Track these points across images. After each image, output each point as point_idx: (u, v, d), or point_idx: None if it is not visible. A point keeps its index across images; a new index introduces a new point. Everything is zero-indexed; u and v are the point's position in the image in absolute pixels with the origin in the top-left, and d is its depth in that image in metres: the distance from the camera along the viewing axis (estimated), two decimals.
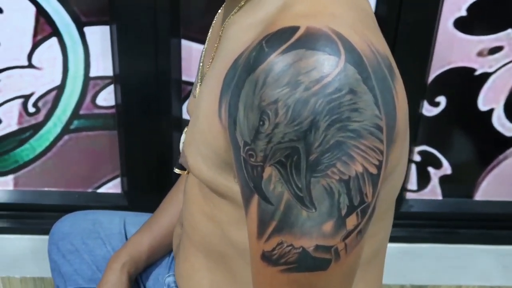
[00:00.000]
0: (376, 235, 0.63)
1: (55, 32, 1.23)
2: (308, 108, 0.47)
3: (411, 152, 1.37)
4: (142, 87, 1.25)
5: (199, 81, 0.72)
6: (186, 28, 1.22)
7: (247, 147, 0.50)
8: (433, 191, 1.44)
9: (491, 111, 1.34)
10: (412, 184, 1.42)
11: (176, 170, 0.74)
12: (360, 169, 0.49)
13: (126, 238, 0.97)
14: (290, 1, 0.54)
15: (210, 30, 0.74)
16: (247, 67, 0.51)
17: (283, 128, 0.48)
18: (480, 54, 1.28)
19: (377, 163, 0.50)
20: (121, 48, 1.21)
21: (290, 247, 0.50)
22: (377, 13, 1.23)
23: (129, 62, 1.22)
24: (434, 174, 1.42)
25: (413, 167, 1.40)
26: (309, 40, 0.48)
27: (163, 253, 0.92)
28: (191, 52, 1.24)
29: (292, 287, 0.52)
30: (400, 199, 1.41)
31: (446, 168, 1.41)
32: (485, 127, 1.37)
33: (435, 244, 1.43)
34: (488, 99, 1.33)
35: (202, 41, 1.24)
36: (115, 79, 1.27)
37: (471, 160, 1.41)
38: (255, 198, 0.51)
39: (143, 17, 1.17)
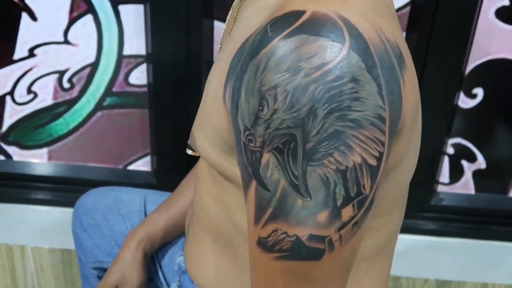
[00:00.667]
0: (382, 228, 0.62)
1: (91, 9, 1.24)
2: (307, 95, 0.46)
3: (444, 144, 1.33)
4: (173, 67, 1.25)
5: None
6: (219, 9, 1.22)
7: (247, 132, 0.50)
8: (466, 185, 1.40)
9: None
10: (444, 177, 1.39)
11: (189, 151, 0.74)
12: (358, 159, 0.48)
13: (145, 216, 0.98)
14: None
15: (230, 12, 0.73)
16: (251, 51, 0.50)
17: (281, 114, 0.47)
18: None
19: (377, 154, 0.48)
20: (154, 28, 1.21)
21: (284, 235, 0.50)
22: (414, 1, 1.20)
23: (161, 42, 1.23)
24: (468, 168, 1.38)
25: (446, 159, 1.37)
26: (313, 25, 0.47)
27: (179, 232, 0.93)
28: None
29: (286, 275, 0.51)
30: (431, 191, 1.38)
31: (481, 162, 1.37)
32: None
33: (465, 239, 1.40)
34: None
35: None
36: (147, 58, 1.28)
37: (507, 155, 1.37)
38: (253, 183, 0.51)
39: None
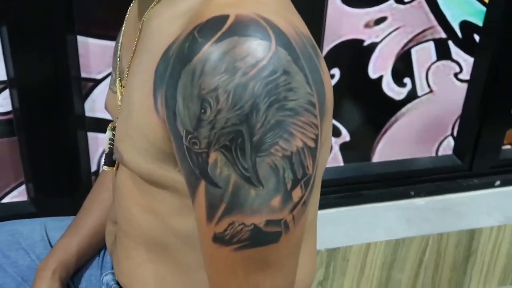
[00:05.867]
0: (313, 205, 0.68)
1: None
2: (248, 91, 0.50)
3: None
4: (41, 89, 1.20)
5: (118, 76, 0.72)
6: (81, 23, 1.20)
7: (189, 136, 0.52)
8: (335, 159, 1.52)
9: (380, 78, 1.44)
10: None
11: (105, 167, 0.74)
12: (300, 144, 0.52)
13: (50, 244, 0.95)
14: None
15: (125, 24, 0.74)
16: (181, 58, 0.52)
17: (225, 114, 0.50)
18: (367, 25, 1.36)
19: (314, 137, 0.53)
20: (15, 50, 1.16)
21: (241, 226, 0.53)
22: None
23: (25, 64, 1.17)
24: (335, 142, 1.50)
25: None
26: (240, 27, 0.51)
27: (92, 253, 0.91)
28: (88, 47, 1.22)
29: (246, 263, 0.55)
30: None
31: (345, 135, 1.50)
32: (376, 94, 1.46)
33: (342, 207, 1.52)
34: (377, 67, 1.42)
35: (99, 36, 1.21)
36: (10, 83, 1.22)
37: (367, 126, 1.51)
38: (202, 184, 0.53)
39: (36, 16, 1.13)
